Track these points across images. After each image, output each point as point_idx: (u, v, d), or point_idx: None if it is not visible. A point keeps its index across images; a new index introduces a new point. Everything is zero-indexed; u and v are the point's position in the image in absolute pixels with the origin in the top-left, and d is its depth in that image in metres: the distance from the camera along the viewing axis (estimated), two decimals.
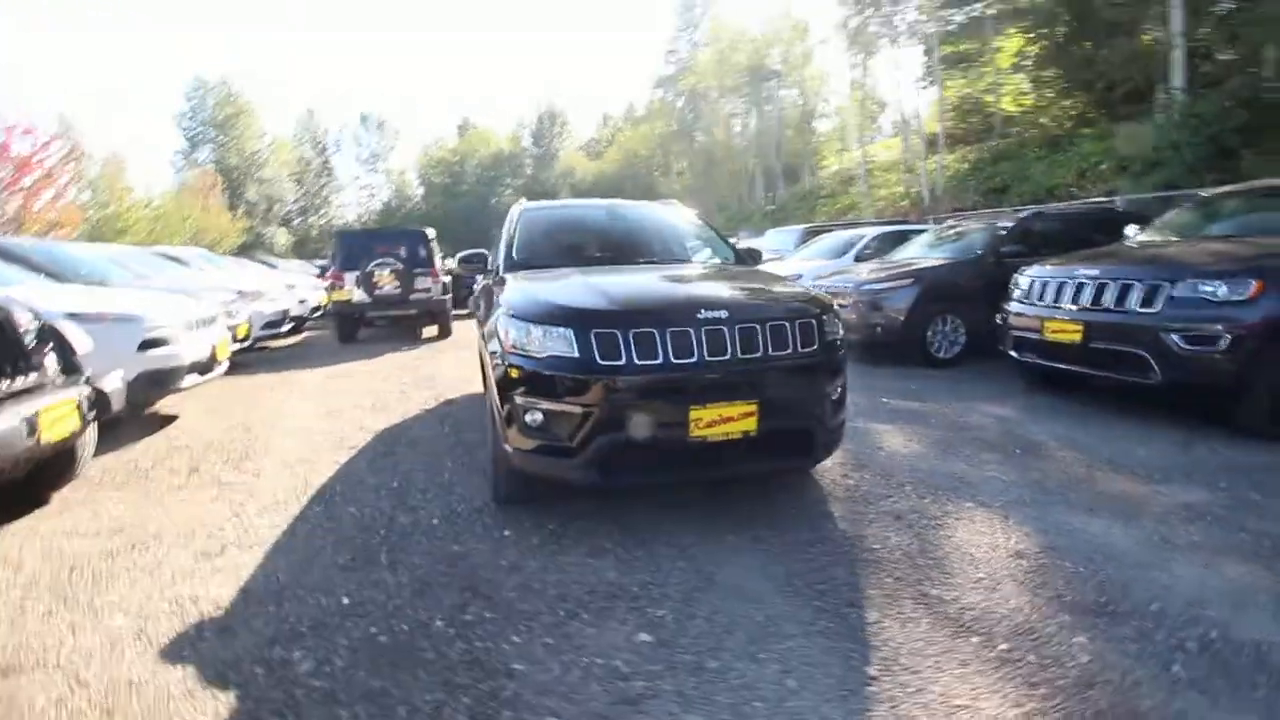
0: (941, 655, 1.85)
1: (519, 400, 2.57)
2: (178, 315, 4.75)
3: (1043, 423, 4.15)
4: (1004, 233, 6.48)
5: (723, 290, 2.96)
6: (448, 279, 9.72)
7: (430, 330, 10.38)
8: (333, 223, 49.50)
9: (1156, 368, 3.84)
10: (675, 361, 2.45)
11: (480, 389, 4.50)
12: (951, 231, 7.52)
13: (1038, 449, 3.66)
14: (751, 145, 33.95)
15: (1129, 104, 16.13)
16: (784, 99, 31.63)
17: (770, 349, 2.57)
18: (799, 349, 2.62)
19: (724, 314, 2.55)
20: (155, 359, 4.37)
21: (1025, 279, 4.86)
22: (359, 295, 9.12)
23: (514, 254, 3.65)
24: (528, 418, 2.56)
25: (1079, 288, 4.35)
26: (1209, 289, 3.73)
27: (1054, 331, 4.45)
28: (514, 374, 2.59)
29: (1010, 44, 20.59)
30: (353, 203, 55.09)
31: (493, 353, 2.86)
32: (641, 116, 46.64)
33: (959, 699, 1.68)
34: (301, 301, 10.05)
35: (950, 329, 6.17)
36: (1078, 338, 4.26)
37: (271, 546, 2.72)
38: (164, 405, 5.39)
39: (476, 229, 41.93)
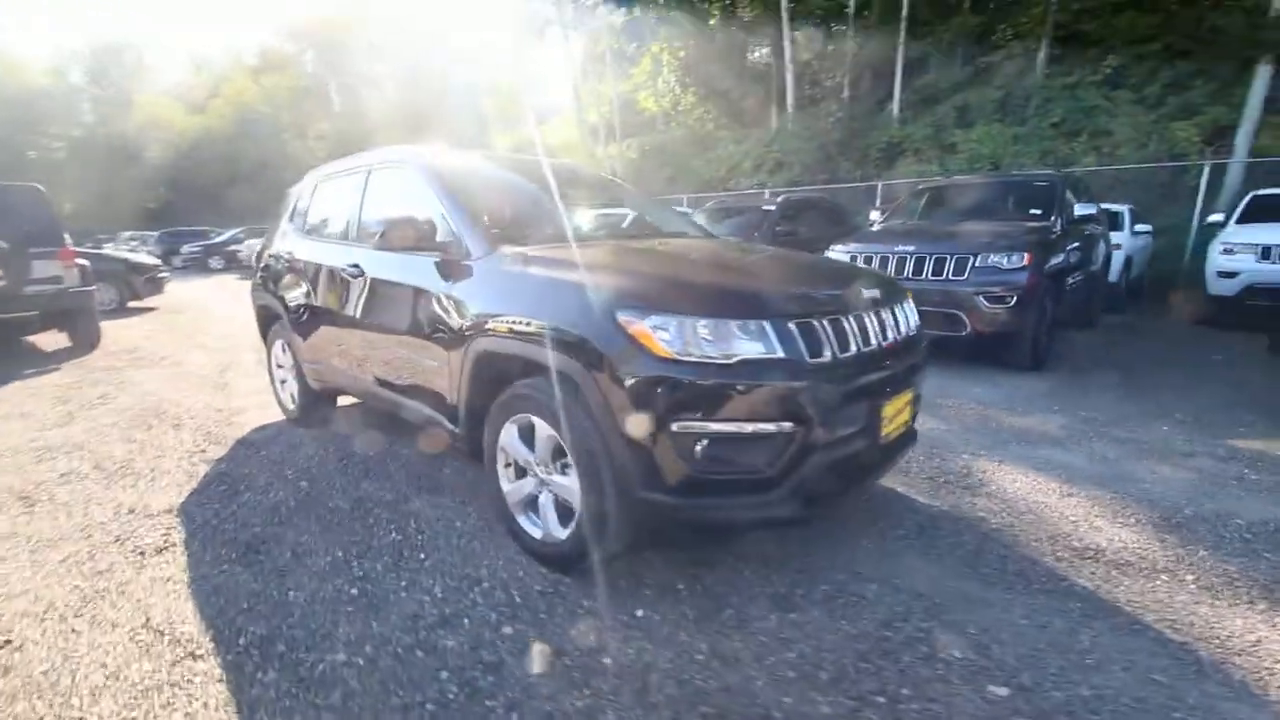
0: None
1: (683, 428, 1.81)
2: None
3: None
4: (773, 214, 7.34)
5: (831, 266, 2.60)
6: (85, 262, 6.51)
7: (52, 340, 6.89)
8: None
9: (968, 323, 4.86)
10: (864, 351, 2.04)
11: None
12: (720, 211, 8.20)
13: None
14: (411, 116, 31.36)
15: (754, 115, 19.97)
16: (452, 70, 29.93)
17: (907, 330, 2.35)
18: (916, 331, 2.46)
19: (878, 294, 2.22)
20: None
21: (844, 254, 5.57)
22: None
23: (471, 223, 2.53)
24: (698, 449, 1.82)
25: (901, 261, 5.18)
26: (998, 259, 4.85)
27: None
28: (668, 391, 1.81)
29: (654, 50, 23.28)
30: None
31: (590, 364, 1.94)
32: (258, 67, 38.63)
33: None
34: None
35: None
36: None
37: None
38: None
39: None
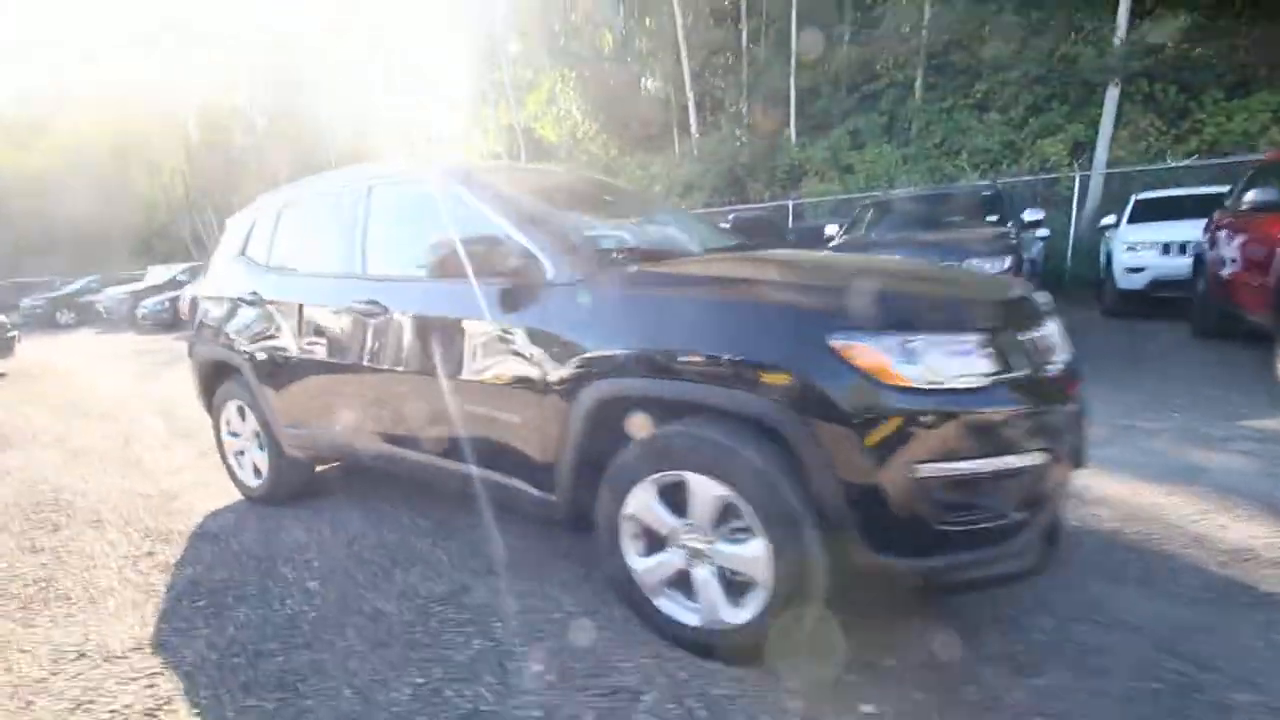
0: None
1: (928, 472, 1.46)
2: None
3: None
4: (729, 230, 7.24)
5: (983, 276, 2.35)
6: None
7: None
8: None
9: None
10: (1064, 364, 1.79)
11: None
12: None
13: None
14: (283, 145, 28.95)
15: (657, 140, 20.25)
16: (330, 98, 28.02)
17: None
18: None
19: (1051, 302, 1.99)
20: None
21: None
22: None
23: (558, 241, 2.06)
24: (941, 496, 1.48)
25: None
26: (982, 264, 4.94)
27: None
28: (909, 428, 1.46)
29: (548, 80, 23.13)
30: None
31: (789, 402, 1.53)
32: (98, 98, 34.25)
33: None
34: None
35: None
36: None
37: None
38: None
39: None
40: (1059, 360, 1.72)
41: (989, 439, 1.48)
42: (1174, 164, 11.65)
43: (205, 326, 3.27)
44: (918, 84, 16.41)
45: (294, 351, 2.74)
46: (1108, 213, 10.79)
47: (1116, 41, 12.10)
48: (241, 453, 3.27)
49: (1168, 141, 12.63)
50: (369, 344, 2.42)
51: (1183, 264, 7.26)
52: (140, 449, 4.43)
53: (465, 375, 2.12)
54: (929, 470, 1.46)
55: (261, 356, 2.89)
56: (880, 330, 1.49)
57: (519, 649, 1.91)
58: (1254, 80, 12.54)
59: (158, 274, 16.38)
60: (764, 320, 1.59)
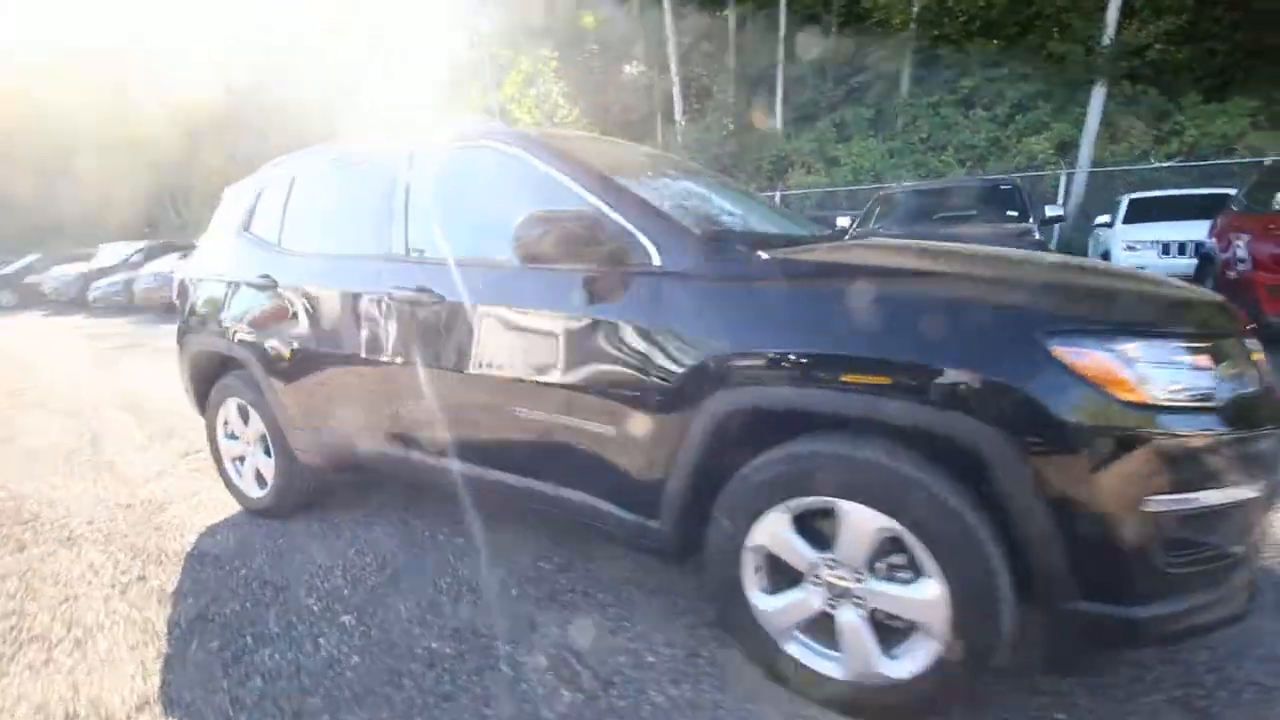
0: None
1: (1161, 504, 1.22)
2: None
3: None
4: None
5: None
6: None
7: None
8: None
9: None
10: None
11: None
12: None
13: None
14: (245, 115, 27.51)
15: (640, 127, 19.83)
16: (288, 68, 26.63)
17: None
18: None
19: None
20: None
21: None
22: None
23: (668, 221, 1.74)
24: (1169, 532, 1.24)
25: None
26: None
27: None
28: (1147, 452, 1.20)
29: (527, 61, 22.46)
30: None
31: (989, 417, 1.25)
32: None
33: None
34: None
35: None
36: None
37: None
38: None
39: None
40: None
41: (1228, 465, 1.24)
42: (1159, 164, 11.82)
43: (198, 313, 2.86)
44: (904, 78, 16.38)
45: (315, 345, 2.37)
46: (1090, 211, 10.92)
47: (1105, 41, 12.18)
48: (241, 458, 2.87)
49: (1149, 142, 12.82)
50: (414, 339, 2.07)
51: (1182, 264, 7.28)
52: (111, 450, 3.95)
53: (545, 378, 1.80)
54: (1163, 502, 1.22)
55: (273, 350, 2.50)
56: (1113, 335, 1.23)
57: (619, 702, 1.62)
58: (1231, 84, 12.82)
59: (110, 253, 15.31)
60: (963, 319, 1.32)
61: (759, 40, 17.62)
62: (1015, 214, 5.81)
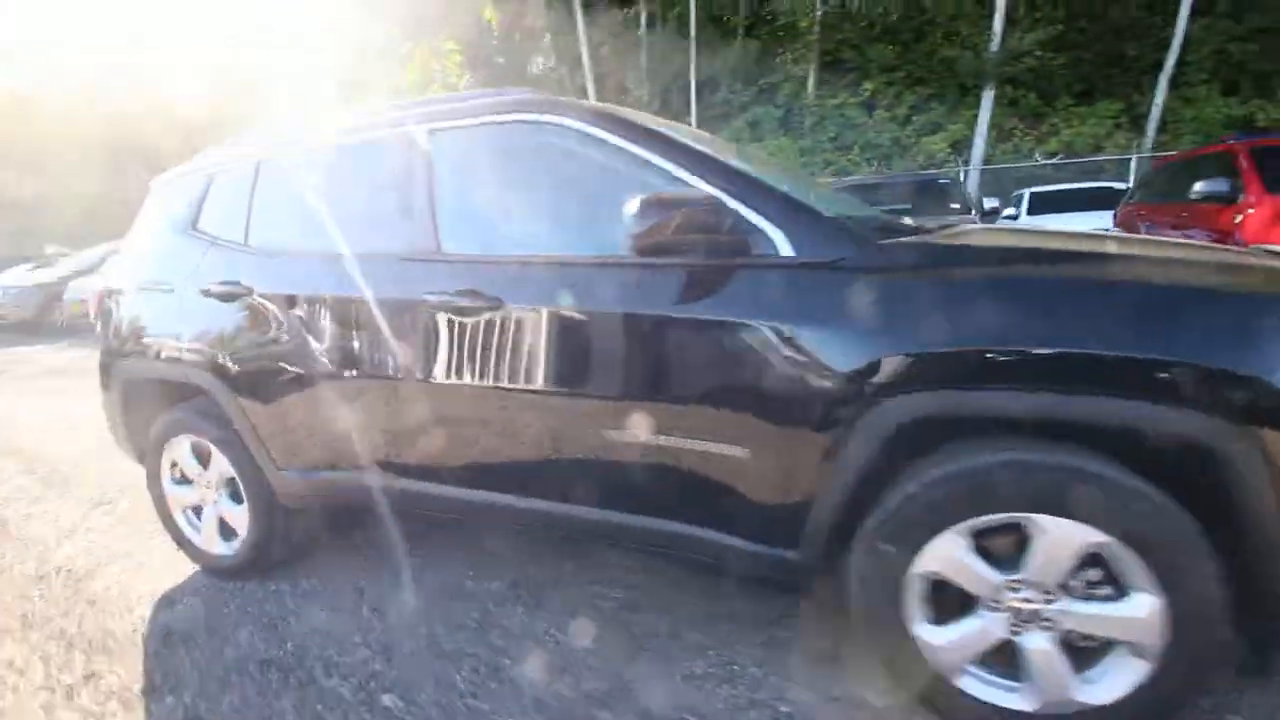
0: None
1: None
2: None
3: None
4: None
5: None
6: None
7: None
8: None
9: None
10: None
11: None
12: None
13: None
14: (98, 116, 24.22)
15: None
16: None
17: None
18: None
19: None
20: None
21: None
22: None
23: (795, 204, 1.51)
24: None
25: None
26: None
27: None
28: None
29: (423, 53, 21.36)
30: None
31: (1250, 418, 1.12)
32: None
33: None
34: None
35: None
36: None
37: None
38: None
39: None
40: None
41: None
42: (1044, 161, 12.92)
43: (132, 333, 2.30)
44: (810, 80, 17.02)
45: (310, 364, 1.93)
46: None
47: (992, 48, 13.17)
48: (197, 508, 2.35)
49: (1032, 142, 14.02)
50: (458, 352, 1.71)
51: None
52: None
53: (644, 393, 1.52)
54: None
55: (250, 373, 2.03)
56: None
57: None
58: (1095, 90, 14.26)
59: None
60: (1189, 307, 1.18)
61: (671, 40, 17.72)
62: (958, 206, 6.05)
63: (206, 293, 2.10)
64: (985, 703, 1.39)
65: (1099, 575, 1.28)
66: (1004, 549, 1.34)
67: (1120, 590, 1.26)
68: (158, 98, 20.47)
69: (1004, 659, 1.38)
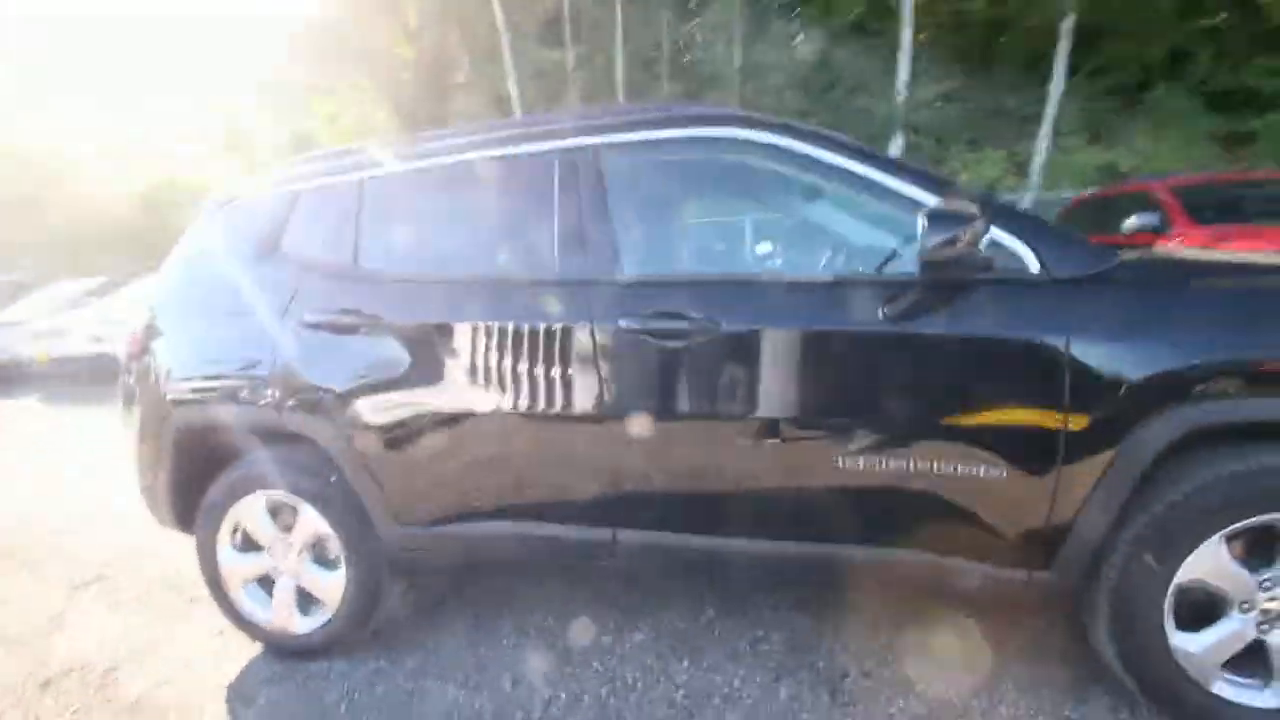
0: None
1: None
2: None
3: None
4: None
5: None
6: None
7: None
8: None
9: None
10: None
11: None
12: None
13: None
14: None
15: None
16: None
17: None
18: None
19: None
20: None
21: None
22: None
23: (1043, 224, 1.53)
24: None
25: None
26: None
27: None
28: None
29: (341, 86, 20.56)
30: None
31: None
32: None
33: None
34: None
35: None
36: None
37: None
38: None
39: None
40: None
41: None
42: None
43: (193, 373, 1.95)
44: None
45: (463, 402, 1.70)
46: None
47: (899, 99, 14.44)
48: (268, 578, 2.00)
49: None
50: (663, 382, 1.57)
51: None
52: None
53: (888, 417, 1.46)
54: None
55: (370, 413, 1.76)
56: None
57: None
58: (983, 139, 15.92)
59: None
60: None
61: (599, 80, 18.11)
62: None
63: (312, 324, 1.82)
64: (1240, 705, 1.41)
65: None
66: (1252, 551, 1.39)
67: None
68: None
69: (1244, 660, 1.41)
